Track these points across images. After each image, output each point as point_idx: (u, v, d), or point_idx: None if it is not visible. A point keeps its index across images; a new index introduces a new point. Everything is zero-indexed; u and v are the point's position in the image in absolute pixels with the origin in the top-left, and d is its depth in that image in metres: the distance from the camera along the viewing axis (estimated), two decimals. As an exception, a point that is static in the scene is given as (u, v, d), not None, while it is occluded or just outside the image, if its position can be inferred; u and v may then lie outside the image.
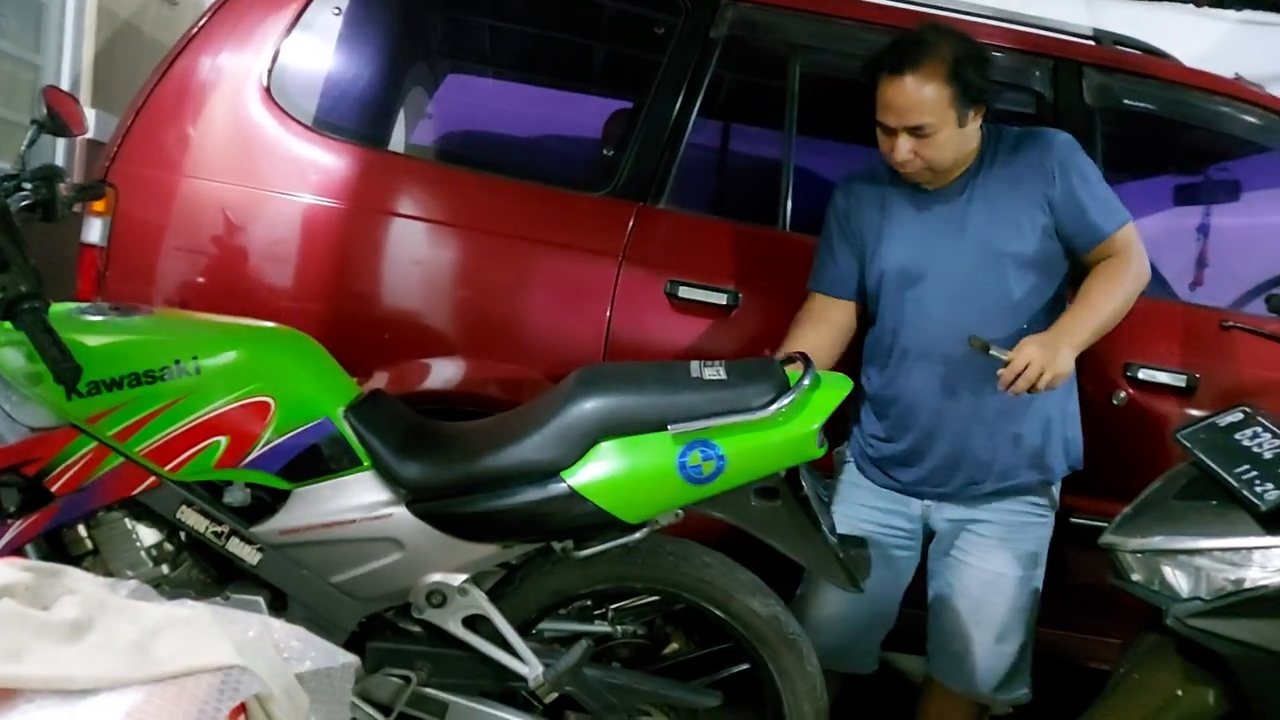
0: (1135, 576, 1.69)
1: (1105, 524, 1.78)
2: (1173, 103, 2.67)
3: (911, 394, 2.06)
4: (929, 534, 2.17)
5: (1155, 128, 2.83)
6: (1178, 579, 1.64)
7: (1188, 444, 1.76)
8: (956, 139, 1.97)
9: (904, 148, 1.96)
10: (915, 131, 1.94)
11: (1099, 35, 2.80)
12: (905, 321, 2.07)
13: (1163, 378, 2.40)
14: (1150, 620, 1.72)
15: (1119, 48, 2.78)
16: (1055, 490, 2.14)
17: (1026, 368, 1.83)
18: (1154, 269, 3.30)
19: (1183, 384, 2.40)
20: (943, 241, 2.04)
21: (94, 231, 2.27)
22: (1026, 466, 2.07)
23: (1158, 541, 1.67)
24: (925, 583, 2.19)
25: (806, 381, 1.65)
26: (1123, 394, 2.40)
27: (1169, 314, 2.56)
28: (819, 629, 2.07)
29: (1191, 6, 4.40)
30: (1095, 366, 2.41)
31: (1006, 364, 1.85)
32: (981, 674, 2.12)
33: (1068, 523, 2.42)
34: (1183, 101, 2.67)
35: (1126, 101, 2.61)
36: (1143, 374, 2.40)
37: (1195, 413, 2.36)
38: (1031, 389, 1.84)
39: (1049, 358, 1.83)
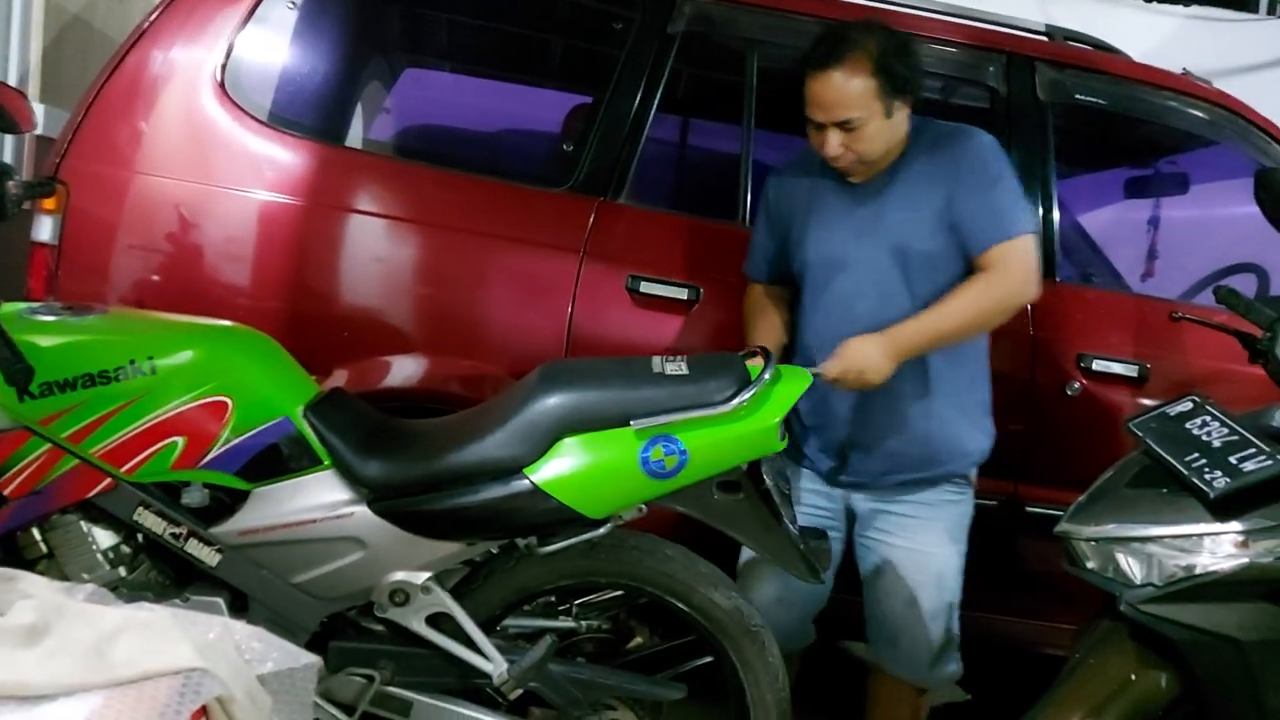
0: (1090, 564, 1.72)
1: (1060, 513, 1.81)
2: (1123, 97, 2.71)
3: (828, 385, 2.08)
4: (852, 516, 2.20)
5: (1106, 122, 2.88)
6: (1131, 566, 1.67)
7: (1139, 433, 1.78)
8: (885, 130, 1.99)
9: (834, 142, 1.98)
10: (844, 126, 1.96)
11: (1051, 31, 2.84)
12: (824, 313, 2.10)
13: (1115, 368, 2.45)
14: (1104, 607, 1.75)
15: (1071, 43, 2.82)
16: (972, 474, 2.17)
17: (841, 373, 1.91)
18: (1107, 262, 3.38)
19: (1134, 374, 2.45)
20: (862, 236, 2.06)
21: (45, 230, 2.23)
22: (940, 458, 2.10)
23: (1111, 529, 1.70)
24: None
25: (767, 375, 1.67)
26: (1076, 384, 2.44)
27: (1121, 305, 2.61)
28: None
29: (1141, 3, 4.48)
30: (1049, 357, 2.45)
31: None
32: (916, 654, 2.14)
33: (1023, 512, 2.47)
34: (1132, 96, 2.72)
35: (1078, 96, 2.65)
36: (1096, 364, 2.44)
37: (1147, 402, 2.41)
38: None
39: (858, 362, 1.90)
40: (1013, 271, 1.98)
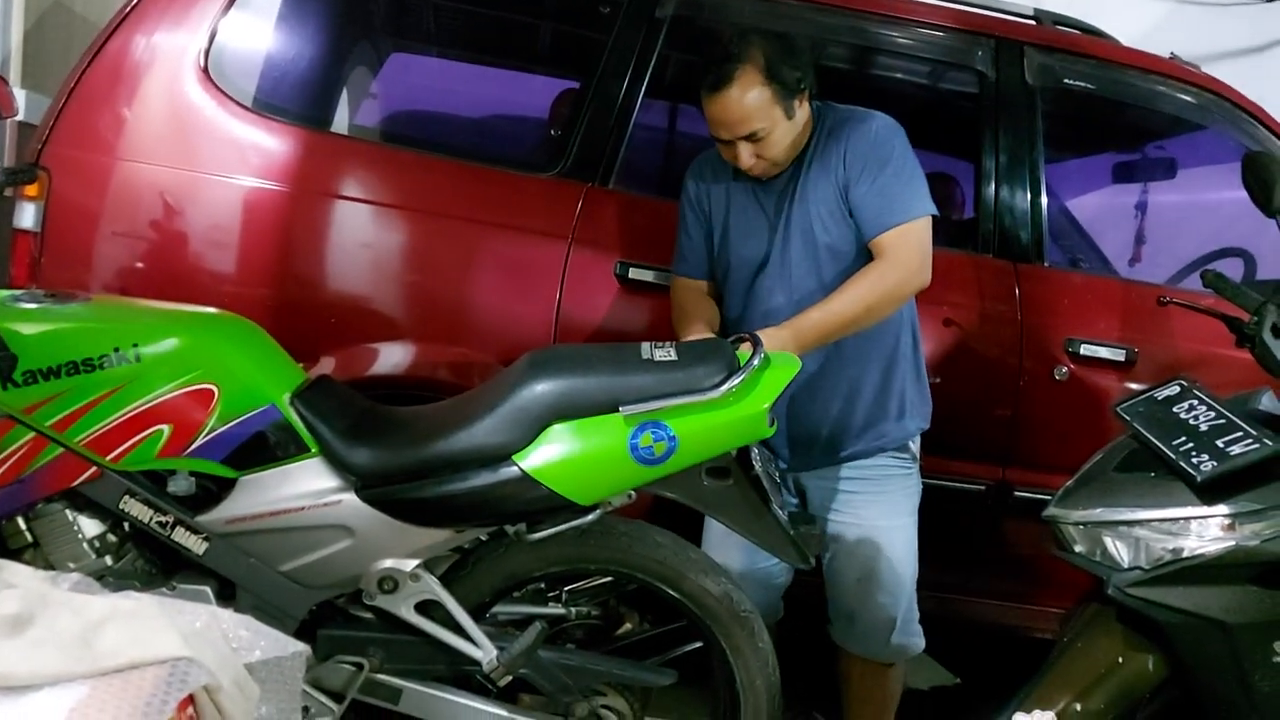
0: (1078, 548, 1.73)
1: (1048, 497, 1.81)
2: (1111, 82, 2.71)
3: None
4: (800, 494, 2.21)
5: (1095, 106, 2.88)
6: (1118, 549, 1.68)
7: (1127, 417, 1.79)
8: (789, 131, 2.01)
9: (745, 155, 2.00)
10: (750, 138, 1.97)
11: (1040, 15, 2.84)
12: (747, 308, 2.11)
13: (1103, 352, 2.46)
14: (1092, 590, 1.76)
15: (1060, 27, 2.82)
16: (914, 445, 2.17)
17: None
18: (1095, 247, 3.39)
19: (1122, 358, 2.46)
20: (776, 233, 2.07)
21: (27, 217, 2.22)
22: (874, 429, 2.11)
23: (1099, 513, 1.70)
24: None
25: (756, 361, 1.66)
26: (1064, 369, 2.45)
27: (1109, 290, 2.62)
28: None
29: (1129, -13, 4.48)
30: (1037, 342, 2.45)
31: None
32: (873, 631, 2.16)
33: (1011, 496, 2.48)
34: (1121, 81, 2.72)
35: (1067, 81, 2.65)
36: (1084, 349, 2.45)
37: (1134, 386, 2.42)
38: None
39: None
40: (903, 259, 1.95)
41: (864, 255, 2.02)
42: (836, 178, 2.01)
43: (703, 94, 1.98)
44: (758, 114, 1.95)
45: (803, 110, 2.02)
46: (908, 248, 1.96)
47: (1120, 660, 1.68)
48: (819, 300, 1.97)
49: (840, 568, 2.16)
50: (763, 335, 1.83)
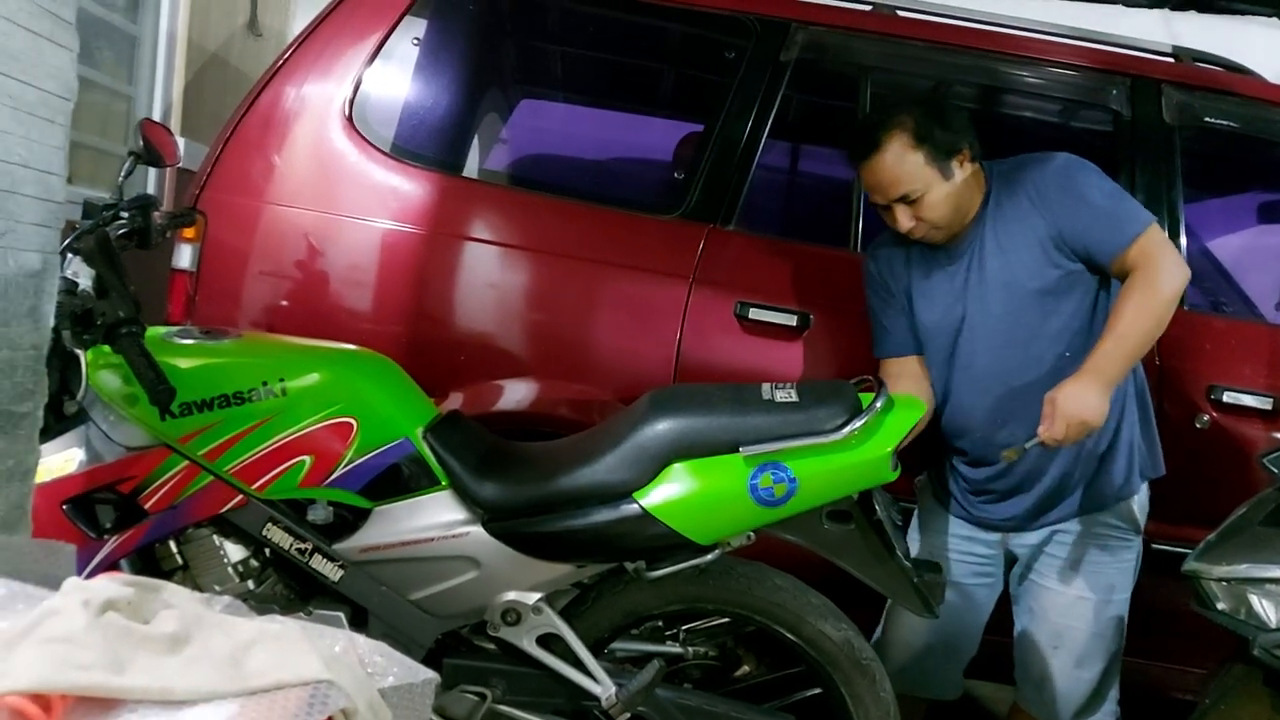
0: (1220, 605, 1.65)
1: (1188, 550, 1.74)
2: (1255, 119, 2.61)
3: (972, 438, 2.07)
4: (1010, 560, 2.14)
5: (1238, 144, 2.77)
6: (1265, 608, 1.60)
7: (1274, 469, 1.71)
8: (950, 193, 1.98)
9: (903, 218, 1.99)
10: (905, 200, 1.97)
11: (1178, 52, 2.76)
12: (954, 371, 2.07)
13: (1247, 400, 2.34)
14: (1237, 650, 1.67)
15: (1199, 64, 2.72)
16: (1137, 509, 2.09)
17: (1065, 430, 1.82)
18: (1239, 289, 3.24)
19: (1269, 406, 2.34)
20: (970, 292, 2.03)
21: (184, 257, 2.36)
22: (1100, 489, 2.04)
23: (1244, 569, 1.63)
24: (1010, 610, 2.17)
25: (879, 404, 1.65)
26: (1206, 417, 2.34)
27: (1254, 335, 2.50)
28: (901, 655, 2.06)
29: (1276, 20, 4.29)
30: (1177, 389, 2.36)
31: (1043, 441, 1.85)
32: (1061, 700, 2.08)
33: (1149, 549, 2.37)
34: (1265, 118, 2.61)
35: (1208, 119, 2.56)
36: (1227, 396, 2.34)
37: (1282, 437, 2.30)
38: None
39: (1076, 411, 1.81)
40: (1157, 260, 1.90)
41: (1081, 291, 2.00)
42: (1036, 222, 1.98)
43: (856, 163, 2.02)
44: (909, 176, 1.96)
45: (964, 170, 2.00)
46: (1156, 249, 1.92)
47: (1267, 726, 1.59)
48: (1031, 350, 1.97)
49: (1038, 634, 2.10)
50: (1063, 390, 1.82)
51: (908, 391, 2.01)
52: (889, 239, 2.16)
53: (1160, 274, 1.89)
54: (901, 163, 1.96)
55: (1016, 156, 2.08)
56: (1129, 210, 1.97)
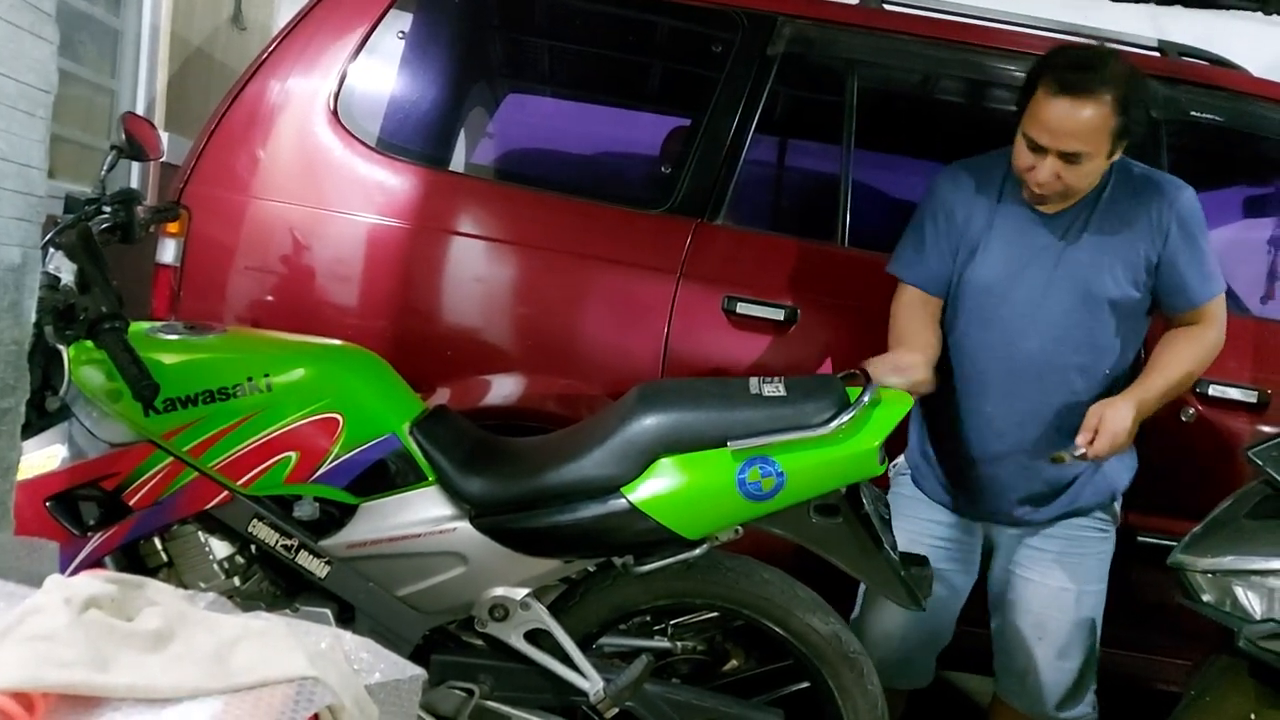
0: (1206, 597, 1.66)
1: (1173, 543, 1.74)
2: (1242, 114, 2.62)
3: (980, 418, 2.03)
4: (988, 549, 2.15)
5: (1224, 139, 2.77)
6: (1250, 600, 1.61)
7: (1259, 461, 1.72)
8: (1099, 169, 1.91)
9: (1048, 170, 1.87)
10: (1066, 157, 1.85)
11: (1164, 46, 2.76)
12: (985, 346, 2.01)
13: (1233, 393, 2.36)
14: (1221, 642, 1.68)
15: (1185, 59, 2.73)
16: (1117, 506, 2.11)
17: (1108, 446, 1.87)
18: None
19: (1254, 400, 2.35)
20: (1034, 269, 1.97)
21: (168, 252, 2.34)
22: (1092, 488, 2.05)
23: (1229, 561, 1.64)
24: (987, 602, 2.17)
25: (866, 398, 1.65)
26: (1191, 410, 2.35)
27: (1239, 329, 2.50)
28: (877, 645, 2.06)
29: (1260, 15, 4.31)
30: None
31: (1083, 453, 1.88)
32: (1045, 692, 2.09)
33: (1134, 541, 2.38)
34: (1251, 112, 2.62)
35: (1193, 113, 2.57)
36: (1212, 390, 2.35)
37: (1267, 429, 2.31)
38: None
39: (1120, 429, 1.86)
40: (1219, 324, 2.02)
41: (1137, 322, 2.02)
42: (1145, 240, 1.95)
43: (1049, 88, 1.83)
44: (1093, 137, 1.83)
45: (1115, 156, 1.93)
46: (1221, 313, 2.03)
47: (1253, 717, 1.60)
48: (1083, 356, 1.97)
49: (1020, 626, 2.10)
50: (1114, 406, 1.86)
51: (917, 330, 2.01)
52: (978, 172, 2.05)
53: (1217, 335, 2.01)
54: (1096, 121, 1.81)
55: (1146, 167, 2.06)
56: (1217, 270, 2.02)
